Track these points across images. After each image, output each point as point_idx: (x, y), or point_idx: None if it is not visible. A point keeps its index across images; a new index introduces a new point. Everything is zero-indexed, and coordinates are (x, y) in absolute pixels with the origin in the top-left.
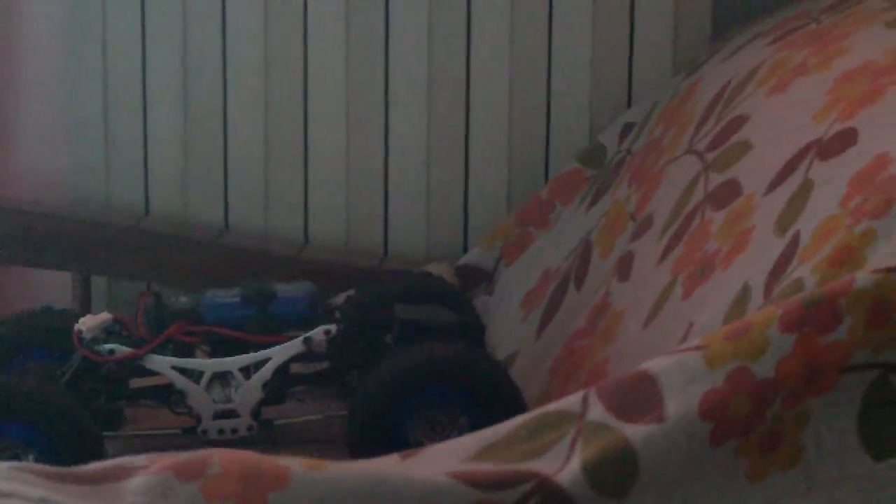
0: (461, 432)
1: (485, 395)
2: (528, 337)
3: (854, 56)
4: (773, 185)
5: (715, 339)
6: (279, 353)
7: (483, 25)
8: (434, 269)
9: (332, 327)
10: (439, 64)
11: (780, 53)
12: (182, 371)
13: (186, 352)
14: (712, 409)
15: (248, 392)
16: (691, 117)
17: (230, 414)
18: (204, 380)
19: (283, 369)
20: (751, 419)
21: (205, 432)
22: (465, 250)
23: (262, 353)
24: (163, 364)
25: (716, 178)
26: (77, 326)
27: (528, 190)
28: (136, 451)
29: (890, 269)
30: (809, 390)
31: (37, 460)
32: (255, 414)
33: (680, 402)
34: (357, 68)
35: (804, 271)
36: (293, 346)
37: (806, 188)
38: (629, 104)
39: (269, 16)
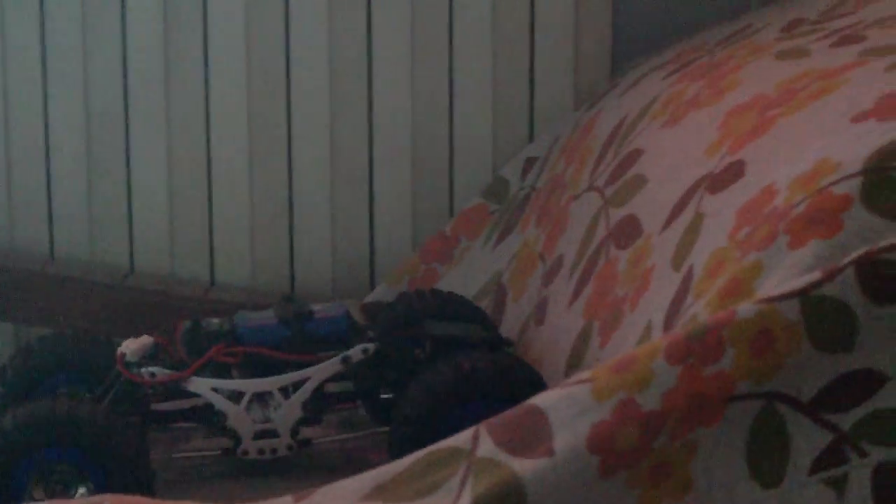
0: None
1: (525, 397)
2: None
3: (745, 89)
4: (669, 220)
5: (602, 371)
6: (318, 373)
7: (385, 60)
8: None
9: (370, 346)
10: (341, 99)
11: (674, 87)
12: (221, 392)
13: (224, 374)
14: (600, 441)
15: (287, 411)
16: (591, 152)
17: (270, 434)
18: (244, 400)
19: (321, 389)
20: (639, 451)
21: (245, 452)
22: (372, 287)
23: (301, 373)
24: (204, 386)
25: (616, 214)
26: (120, 350)
27: (434, 226)
28: (181, 474)
29: (771, 299)
30: (697, 421)
31: (89, 487)
32: (295, 433)
33: (568, 436)
34: (259, 104)
35: (699, 307)
36: (332, 366)
37: (697, 222)
38: (531, 138)
39: (170, 59)
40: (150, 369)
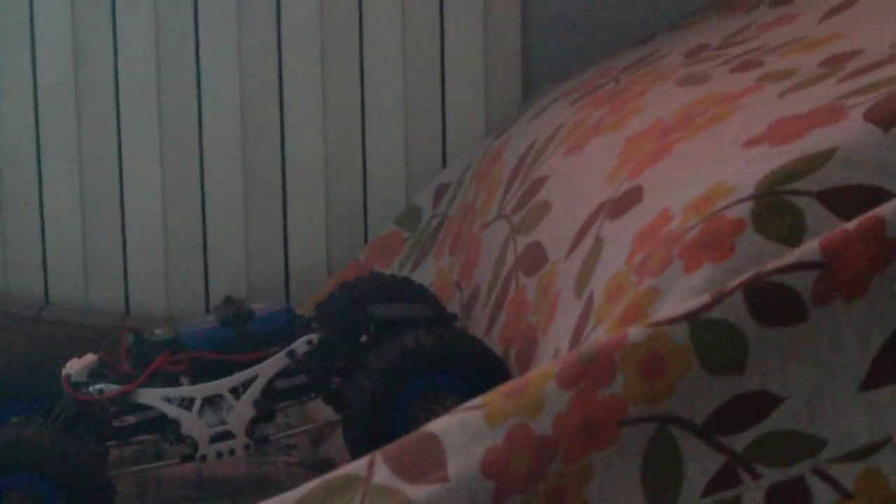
0: None
1: (473, 370)
2: None
3: (645, 115)
4: (572, 247)
5: (495, 397)
6: (265, 370)
7: (296, 88)
8: None
9: (314, 337)
10: (254, 131)
11: (579, 113)
12: (172, 401)
13: (172, 382)
14: (494, 466)
15: (240, 412)
16: (500, 179)
17: (226, 436)
18: (196, 406)
19: (270, 385)
20: (533, 475)
21: (203, 458)
22: None
23: (249, 372)
24: (153, 396)
25: (522, 241)
26: (65, 371)
27: (348, 253)
28: (141, 487)
29: (660, 323)
30: (590, 445)
31: None
32: (250, 432)
33: (462, 462)
34: (172, 136)
35: (599, 333)
36: (278, 361)
37: (597, 248)
38: (444, 164)
39: (81, 93)
40: (98, 386)
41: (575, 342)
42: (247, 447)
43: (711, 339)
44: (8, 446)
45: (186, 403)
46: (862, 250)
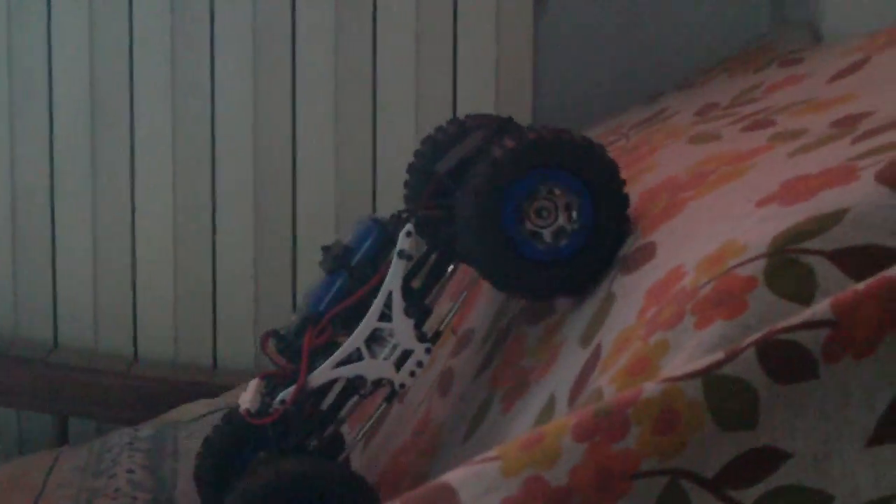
0: None
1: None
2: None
3: (658, 172)
4: (582, 298)
5: (511, 448)
6: (392, 282)
7: (309, 138)
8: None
9: (410, 226)
10: (266, 177)
11: None
12: (342, 364)
13: (332, 348)
14: None
15: (400, 329)
16: None
17: (406, 356)
18: (364, 352)
19: (407, 289)
20: None
21: (402, 386)
22: None
23: (382, 294)
24: (325, 372)
25: None
26: (241, 408)
27: None
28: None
29: (675, 379)
30: (604, 497)
31: None
32: (423, 338)
33: None
34: (183, 180)
35: (604, 381)
36: (396, 268)
37: (609, 301)
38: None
39: (96, 139)
40: (278, 399)
41: (577, 391)
42: (427, 351)
43: (724, 395)
44: (305, 484)
45: (356, 356)
46: (872, 310)
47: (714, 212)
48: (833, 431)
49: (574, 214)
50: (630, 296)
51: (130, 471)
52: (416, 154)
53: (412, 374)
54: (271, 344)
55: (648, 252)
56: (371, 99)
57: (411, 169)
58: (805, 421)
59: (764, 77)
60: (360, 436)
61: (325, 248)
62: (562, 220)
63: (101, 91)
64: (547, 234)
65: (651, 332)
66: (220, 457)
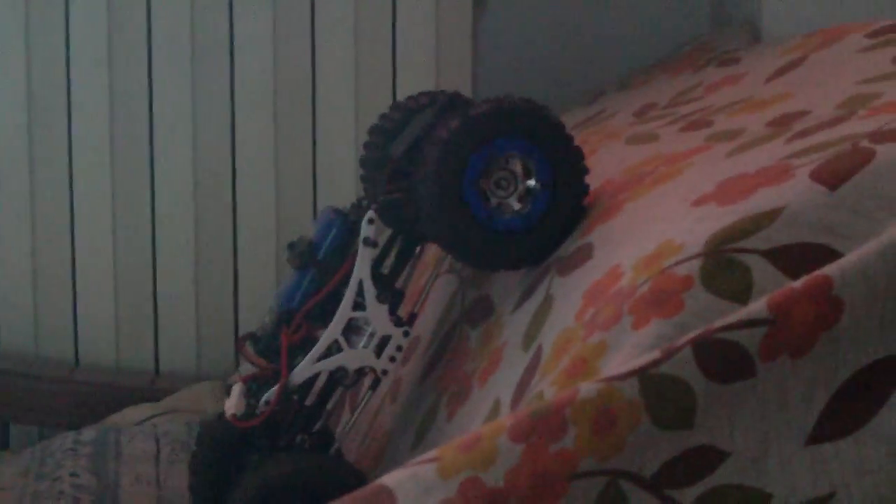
0: None
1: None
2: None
3: (596, 174)
4: (521, 301)
5: (448, 450)
6: (361, 270)
7: (248, 149)
8: (205, 387)
9: (371, 213)
10: (207, 191)
11: None
12: (322, 358)
13: (311, 343)
14: None
15: (375, 315)
16: None
17: (384, 342)
18: (342, 343)
19: (377, 275)
20: None
21: (385, 372)
22: (237, 367)
23: (353, 283)
24: (306, 368)
25: (472, 294)
26: (227, 414)
27: None
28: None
29: (611, 378)
30: (540, 498)
31: None
32: (399, 322)
33: None
34: (123, 185)
35: (545, 384)
36: (363, 256)
37: (547, 302)
38: None
39: (34, 149)
40: (262, 399)
41: (520, 394)
42: (406, 334)
43: (661, 394)
44: (303, 480)
45: (335, 348)
46: (808, 308)
47: (651, 212)
48: (771, 430)
49: (533, 176)
50: (568, 297)
51: (74, 474)
52: (366, 146)
53: (392, 359)
54: (248, 346)
55: (585, 253)
56: (311, 105)
57: (364, 161)
58: (743, 420)
59: (703, 77)
60: (348, 427)
61: (291, 245)
62: (522, 184)
63: (38, 98)
64: (514, 202)
65: (589, 332)
66: (213, 468)
